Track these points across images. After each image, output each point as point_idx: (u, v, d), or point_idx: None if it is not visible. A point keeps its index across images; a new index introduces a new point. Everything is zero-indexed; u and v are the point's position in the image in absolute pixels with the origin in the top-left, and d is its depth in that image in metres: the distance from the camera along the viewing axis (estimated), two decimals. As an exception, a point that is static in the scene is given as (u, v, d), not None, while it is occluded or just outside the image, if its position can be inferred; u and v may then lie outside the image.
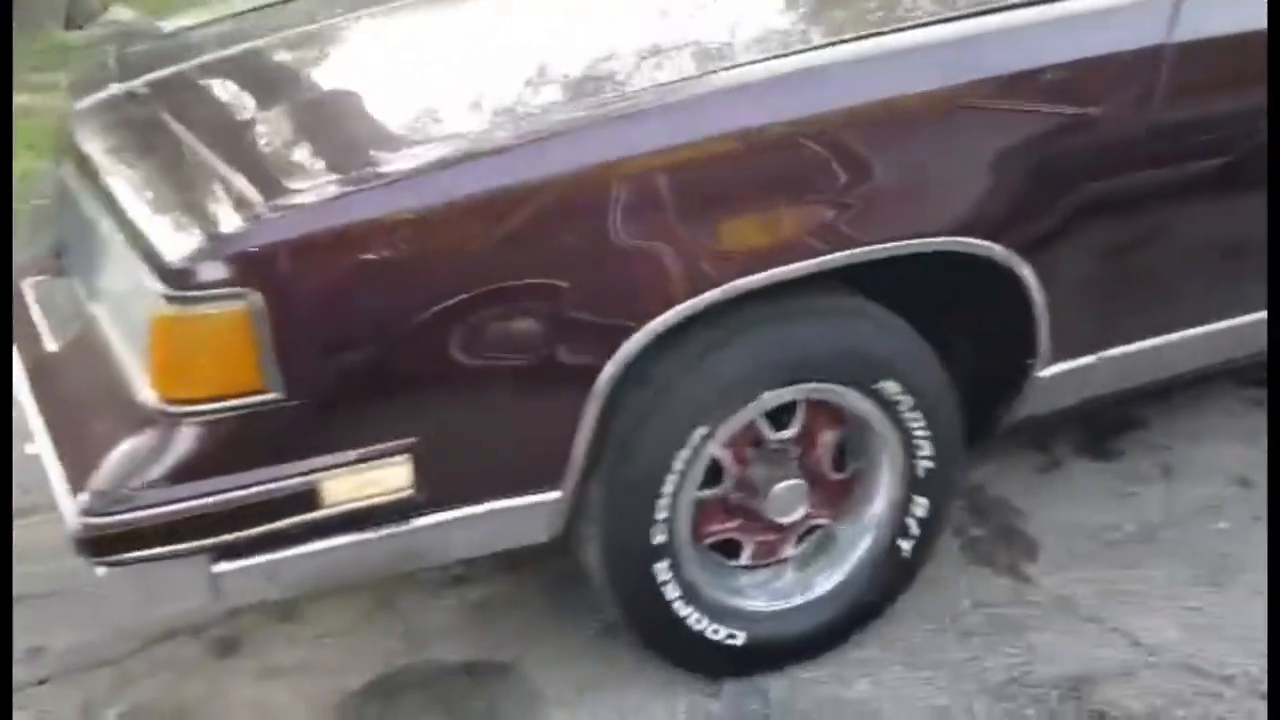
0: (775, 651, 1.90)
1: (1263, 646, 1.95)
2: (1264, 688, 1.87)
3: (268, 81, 2.09)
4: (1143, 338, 1.96)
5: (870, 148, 1.66)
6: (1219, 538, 2.21)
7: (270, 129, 1.83)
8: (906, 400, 1.78)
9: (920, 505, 1.87)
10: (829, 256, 1.63)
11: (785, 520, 1.84)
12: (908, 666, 1.95)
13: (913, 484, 1.85)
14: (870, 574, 1.90)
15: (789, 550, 1.90)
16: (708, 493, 1.80)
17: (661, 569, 1.75)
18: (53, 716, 1.92)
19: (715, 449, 1.74)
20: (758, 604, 1.88)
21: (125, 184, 1.73)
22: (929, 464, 1.85)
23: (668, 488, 1.69)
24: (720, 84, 1.65)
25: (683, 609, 1.79)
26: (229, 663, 2.04)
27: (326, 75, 2.15)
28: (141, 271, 1.52)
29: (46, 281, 2.03)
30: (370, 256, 1.46)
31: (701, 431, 1.68)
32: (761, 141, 1.60)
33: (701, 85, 1.66)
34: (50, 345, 1.83)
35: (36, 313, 1.95)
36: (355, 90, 1.96)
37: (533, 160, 1.53)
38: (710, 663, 1.88)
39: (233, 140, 1.76)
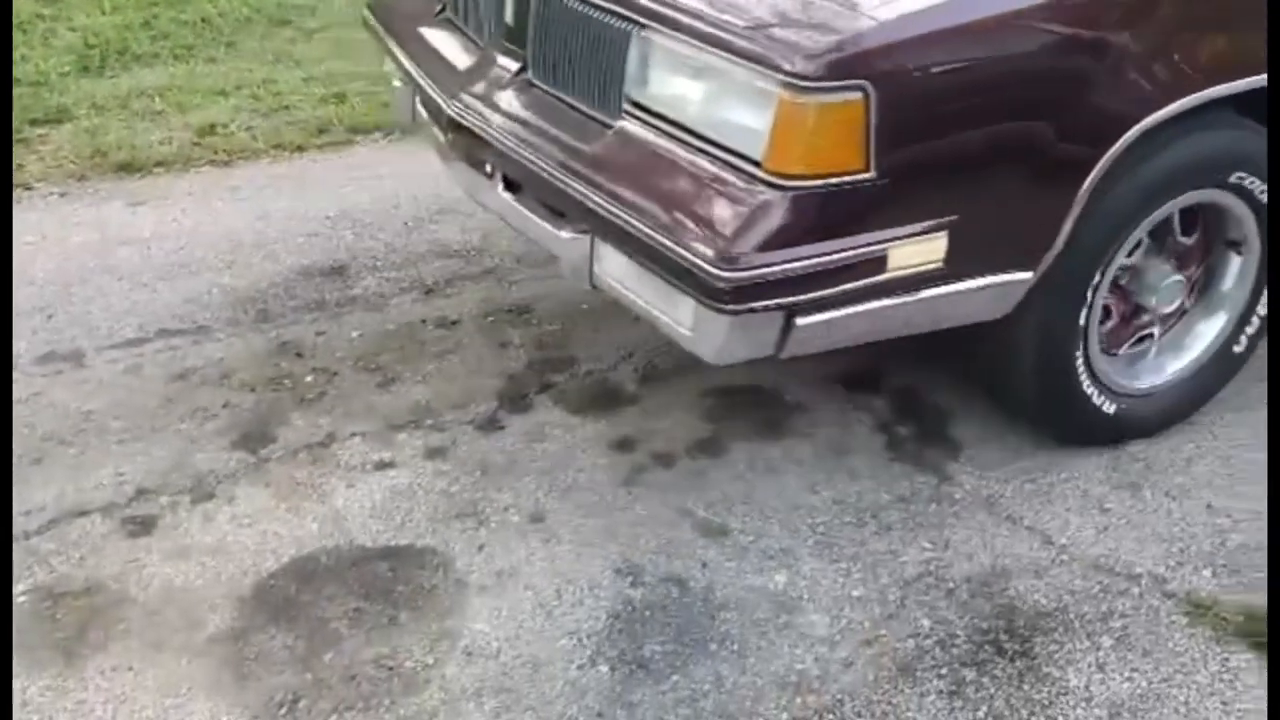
0: (1136, 424, 2.24)
1: (1171, 548, 2.01)
2: (1169, 587, 1.93)
3: None
4: None
5: None
6: (1139, 443, 2.25)
7: None
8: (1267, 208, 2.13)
9: (1260, 303, 2.25)
10: (1248, 80, 1.95)
11: (1166, 310, 2.21)
12: (826, 559, 1.98)
13: (1257, 288, 2.24)
14: (1213, 361, 2.27)
15: (1158, 335, 2.25)
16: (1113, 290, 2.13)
17: (1078, 348, 2.08)
18: (-44, 592, 1.88)
19: (1132, 255, 2.08)
20: (1131, 382, 2.21)
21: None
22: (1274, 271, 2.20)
23: (1099, 274, 2.02)
24: None
25: (1086, 384, 2.13)
26: (141, 542, 2.00)
27: None
28: (750, 72, 1.74)
29: (517, 95, 2.13)
30: (955, 58, 1.76)
31: (1140, 222, 2.00)
32: None
33: None
34: (584, 145, 1.96)
35: (530, 120, 2.07)
36: None
37: None
38: (1094, 433, 2.23)
39: None
